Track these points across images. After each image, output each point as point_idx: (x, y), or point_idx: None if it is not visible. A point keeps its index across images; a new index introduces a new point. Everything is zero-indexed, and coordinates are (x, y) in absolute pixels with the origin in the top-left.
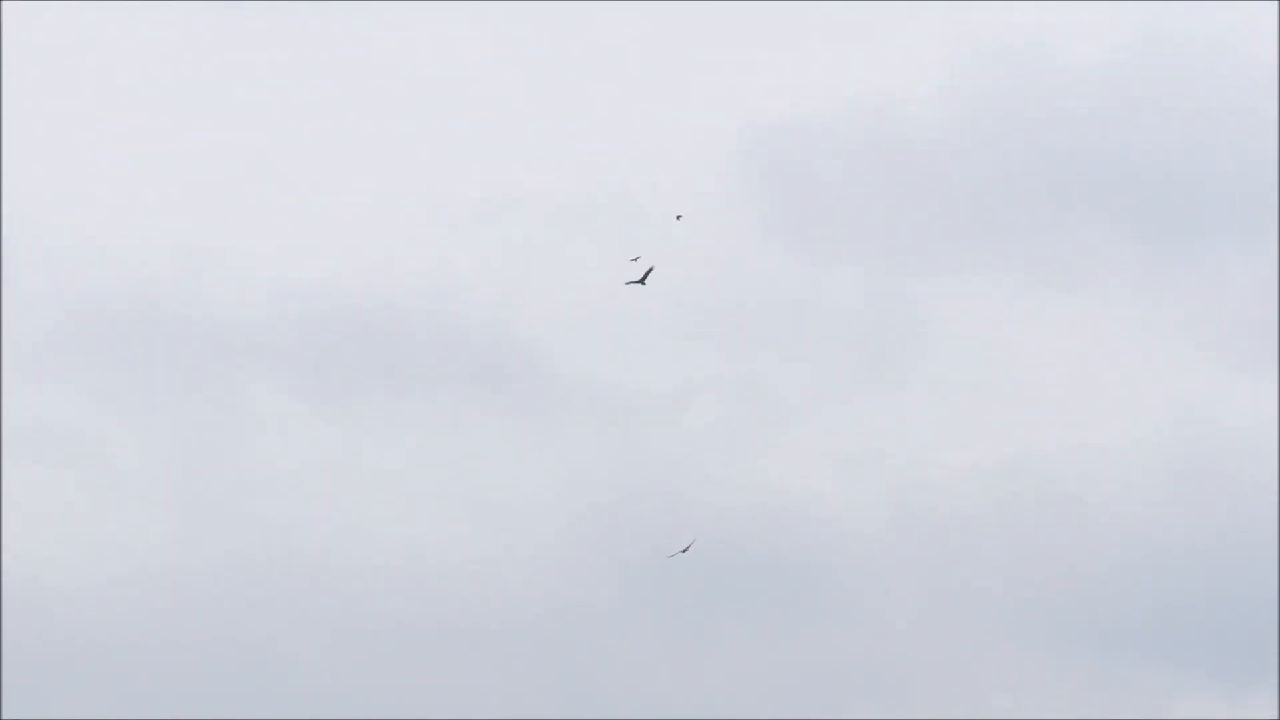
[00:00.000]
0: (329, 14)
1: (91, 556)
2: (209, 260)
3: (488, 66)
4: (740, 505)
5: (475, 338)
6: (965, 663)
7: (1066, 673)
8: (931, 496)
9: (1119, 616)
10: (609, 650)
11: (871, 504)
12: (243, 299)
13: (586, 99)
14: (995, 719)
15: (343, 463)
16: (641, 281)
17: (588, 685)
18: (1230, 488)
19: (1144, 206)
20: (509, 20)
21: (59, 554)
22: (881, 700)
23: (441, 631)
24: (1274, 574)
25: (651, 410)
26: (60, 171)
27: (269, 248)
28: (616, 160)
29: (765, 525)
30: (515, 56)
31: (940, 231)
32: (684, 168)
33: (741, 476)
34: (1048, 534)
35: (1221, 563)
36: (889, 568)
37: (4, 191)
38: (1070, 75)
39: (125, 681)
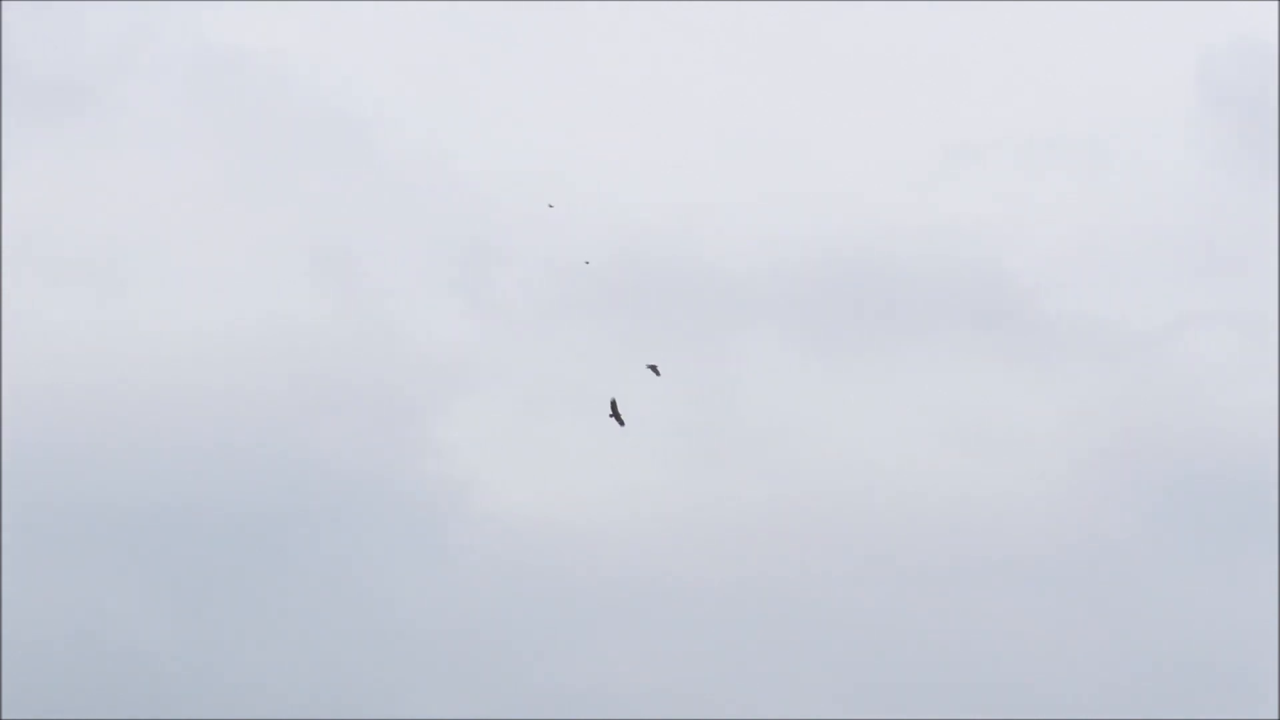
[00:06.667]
0: None
1: (604, 501)
2: (702, 215)
3: (934, 18)
4: (1246, 434)
5: (968, 279)
6: None
7: None
8: None
9: None
10: (1130, 581)
11: None
12: (734, 250)
13: (1041, 37)
14: None
15: (843, 408)
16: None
17: (1111, 618)
18: None
19: None
20: None
21: (574, 501)
22: None
23: (956, 568)
24: None
25: (1145, 345)
26: (558, 138)
27: (759, 200)
28: (1079, 97)
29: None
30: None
31: None
32: (1143, 99)
33: (1245, 407)
34: None
35: None
36: None
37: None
38: None
39: (643, 618)
